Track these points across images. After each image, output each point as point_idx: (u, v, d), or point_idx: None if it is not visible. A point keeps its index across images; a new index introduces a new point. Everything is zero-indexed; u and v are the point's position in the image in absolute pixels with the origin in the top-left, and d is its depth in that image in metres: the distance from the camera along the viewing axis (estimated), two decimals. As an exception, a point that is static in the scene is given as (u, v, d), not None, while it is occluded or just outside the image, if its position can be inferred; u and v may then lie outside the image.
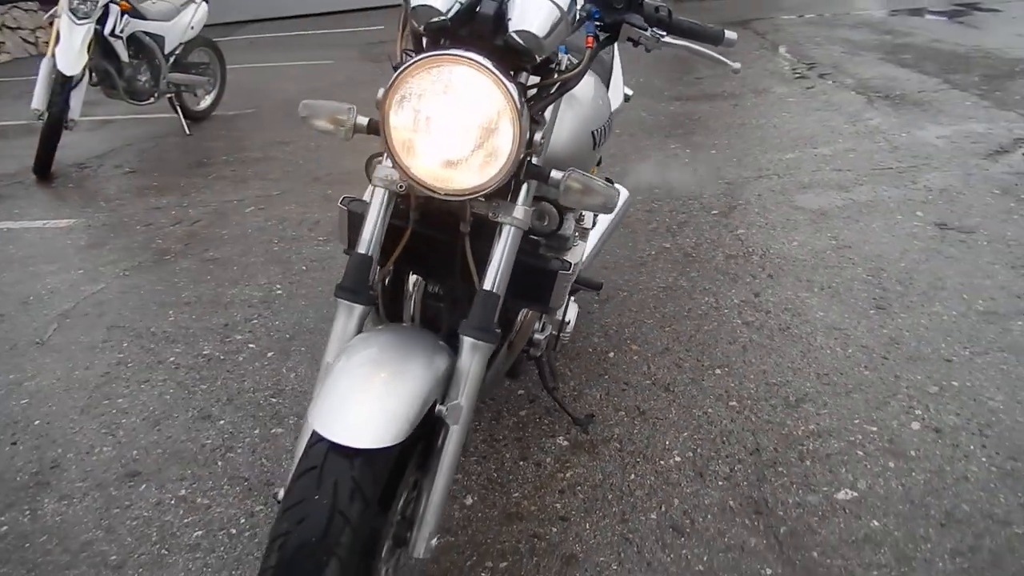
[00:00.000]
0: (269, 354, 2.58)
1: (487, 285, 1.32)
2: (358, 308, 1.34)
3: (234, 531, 1.81)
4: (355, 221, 1.54)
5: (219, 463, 2.07)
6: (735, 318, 2.61)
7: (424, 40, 1.27)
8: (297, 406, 2.29)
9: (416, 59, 1.19)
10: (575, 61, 1.32)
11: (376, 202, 1.36)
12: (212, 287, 3.09)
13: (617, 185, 1.34)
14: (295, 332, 2.71)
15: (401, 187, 1.36)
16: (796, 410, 2.14)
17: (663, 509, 1.82)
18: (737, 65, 1.51)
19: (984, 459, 1.92)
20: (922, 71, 5.59)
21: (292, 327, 2.74)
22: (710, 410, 2.16)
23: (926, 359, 2.32)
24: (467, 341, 1.30)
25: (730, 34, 1.48)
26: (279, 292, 3.01)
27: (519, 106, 1.19)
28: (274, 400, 2.33)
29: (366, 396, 1.17)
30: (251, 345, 2.65)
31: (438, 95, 1.20)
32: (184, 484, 1.99)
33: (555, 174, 1.31)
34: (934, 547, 1.68)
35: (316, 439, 1.15)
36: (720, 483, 1.90)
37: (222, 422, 2.24)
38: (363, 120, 1.34)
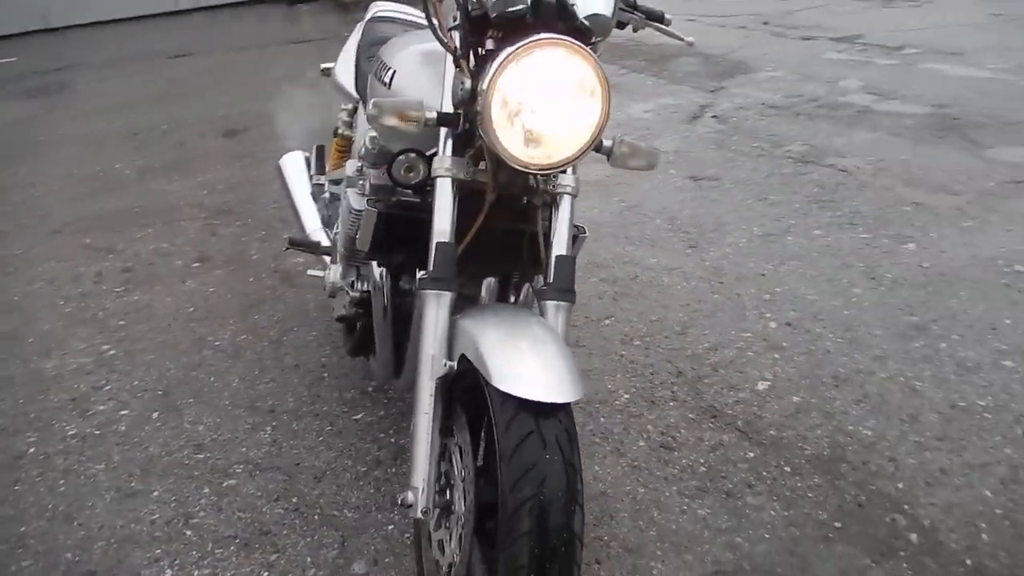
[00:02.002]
0: (154, 415, 2.30)
1: (561, 251, 1.45)
2: (447, 295, 1.38)
3: (262, 586, 1.67)
4: (385, 223, 1.54)
5: (187, 532, 1.84)
6: (589, 277, 2.95)
7: (492, 30, 1.35)
8: (233, 453, 2.10)
9: (520, 44, 1.27)
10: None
11: (445, 193, 1.40)
12: (21, 365, 2.60)
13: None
14: (167, 386, 2.43)
15: (468, 173, 1.42)
16: (686, 336, 2.54)
17: (646, 436, 2.09)
18: (691, 39, 1.80)
19: (831, 335, 2.50)
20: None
21: (158, 382, 2.45)
22: (623, 352, 2.47)
23: (748, 278, 2.89)
24: (550, 304, 1.42)
25: (668, 16, 1.77)
26: (111, 352, 2.64)
27: (606, 80, 1.34)
28: (200, 456, 2.11)
29: (545, 358, 1.24)
30: (123, 412, 2.32)
31: (542, 75, 1.30)
32: (173, 562, 1.75)
33: (606, 141, 1.48)
34: (842, 400, 2.18)
35: (510, 410, 1.19)
36: (671, 404, 2.22)
37: (156, 493, 1.97)
38: (432, 114, 1.38)
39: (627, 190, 3.73)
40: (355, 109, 2.42)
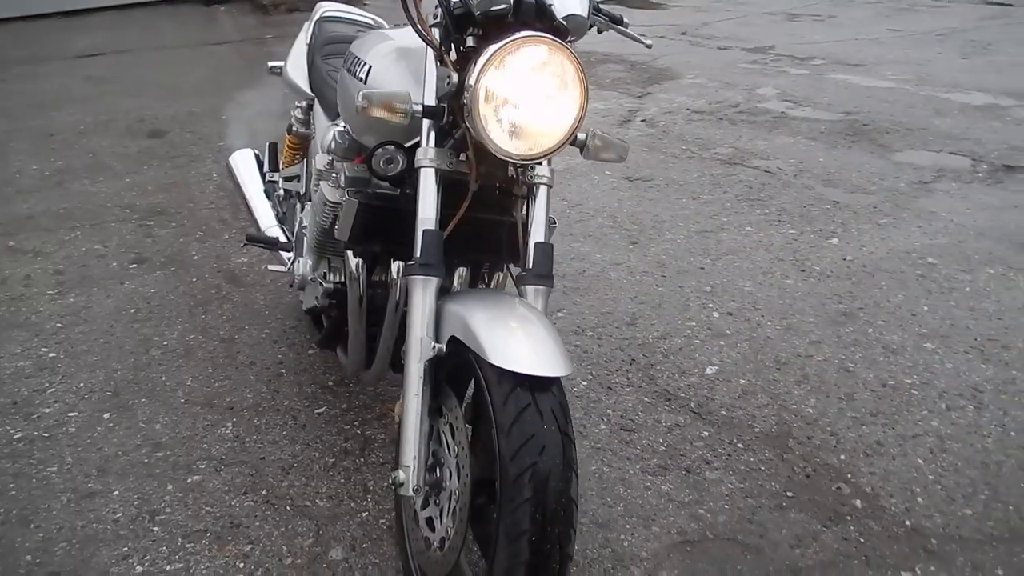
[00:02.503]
0: (105, 416, 2.24)
1: (540, 238, 1.52)
2: (433, 280, 1.42)
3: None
4: (365, 213, 1.58)
5: (155, 529, 1.81)
6: (537, 273, 3.02)
7: (474, 27, 1.40)
8: (194, 450, 2.07)
9: (507, 40, 1.33)
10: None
11: (429, 182, 1.45)
12: (-48, 370, 2.48)
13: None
14: (116, 387, 2.37)
15: (450, 164, 1.47)
16: (635, 326, 2.65)
17: (606, 419, 2.17)
18: (649, 42, 1.90)
19: (769, 323, 2.66)
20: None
21: (105, 383, 2.38)
22: (578, 343, 2.56)
23: (688, 271, 3.03)
24: (530, 289, 1.49)
25: (626, 20, 1.86)
26: (51, 355, 2.55)
27: (584, 76, 1.41)
28: (160, 454, 2.07)
29: (535, 335, 1.30)
30: (72, 414, 2.25)
31: (527, 70, 1.36)
32: (142, 558, 1.71)
33: (579, 134, 1.55)
34: (784, 382, 2.32)
35: (507, 385, 1.24)
36: (627, 389, 2.31)
37: (116, 492, 1.93)
38: (418, 106, 1.42)
39: (568, 190, 3.83)
40: (309, 107, 2.42)
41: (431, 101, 1.46)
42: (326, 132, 2.01)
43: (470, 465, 1.31)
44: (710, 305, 2.77)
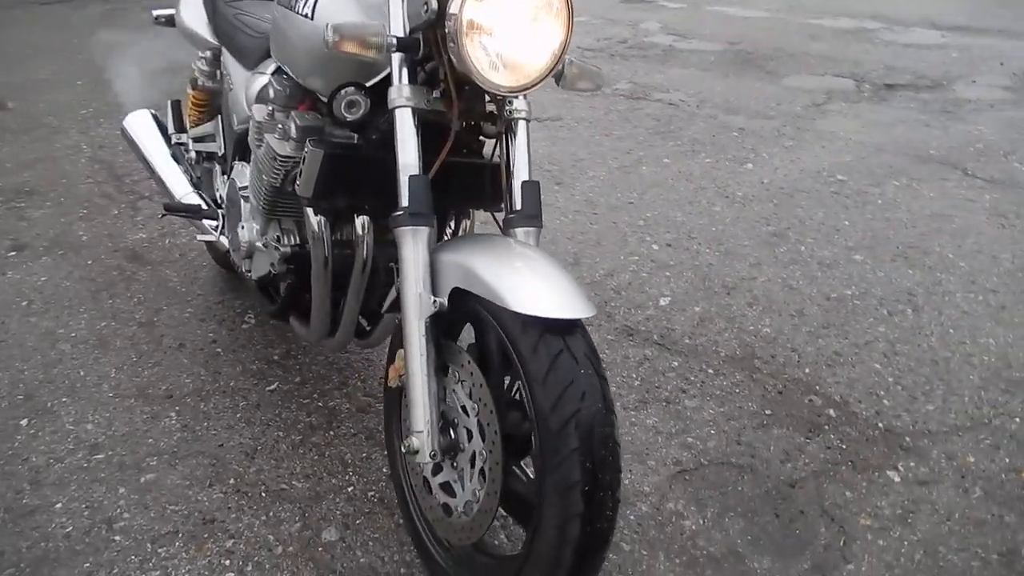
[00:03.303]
0: (23, 422, 1.98)
1: (525, 176, 1.43)
2: (424, 230, 1.31)
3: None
4: (331, 164, 1.43)
5: (117, 538, 1.62)
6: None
7: None
8: (139, 447, 1.87)
9: None
10: None
11: (407, 124, 1.32)
12: None
13: None
14: (27, 389, 2.10)
15: (428, 102, 1.35)
16: (580, 265, 2.61)
17: (575, 361, 2.13)
18: None
19: (708, 250, 2.69)
20: None
21: (13, 386, 2.10)
22: (527, 288, 2.49)
23: (619, 207, 3.01)
24: (519, 231, 1.41)
25: None
26: (-62, 362, 2.23)
27: (570, 1, 1.32)
28: (100, 456, 1.85)
29: (549, 277, 1.23)
30: (-20, 423, 1.98)
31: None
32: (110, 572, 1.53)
33: None
34: (736, 305, 2.36)
35: (534, 333, 1.16)
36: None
37: (59, 505, 1.71)
38: (392, 39, 1.28)
39: (478, 135, 3.72)
40: (215, 57, 2.19)
41: (400, 32, 1.32)
42: (250, 82, 1.82)
43: (498, 420, 1.23)
44: (647, 238, 2.77)
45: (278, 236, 1.67)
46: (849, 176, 3.21)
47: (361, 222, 1.54)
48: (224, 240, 2.09)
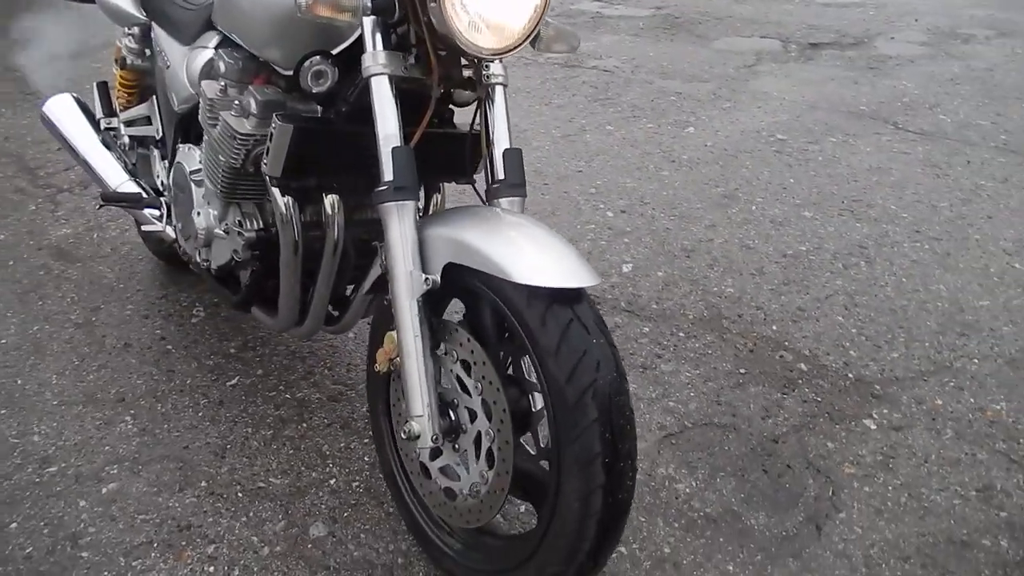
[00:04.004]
0: (-42, 438, 1.83)
1: (506, 144, 1.38)
2: (409, 204, 1.25)
3: None
4: (300, 138, 1.35)
5: (84, 555, 1.51)
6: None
7: None
8: (96, 455, 1.74)
9: None
10: None
11: (385, 93, 1.25)
12: None
13: None
14: (-40, 402, 1.94)
15: (405, 68, 1.28)
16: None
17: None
18: None
19: (662, 215, 2.69)
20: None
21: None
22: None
23: (568, 176, 2.98)
24: (504, 201, 1.37)
25: None
26: None
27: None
28: (52, 469, 1.72)
29: (548, 246, 1.19)
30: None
31: None
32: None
33: None
34: (698, 268, 2.37)
35: (540, 304, 1.12)
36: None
37: (14, 525, 1.58)
38: (368, 1, 1.21)
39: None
40: (144, 33, 2.03)
41: (371, -5, 1.24)
42: (191, 57, 1.70)
43: (506, 397, 1.18)
44: (601, 206, 2.76)
45: (240, 221, 1.57)
46: (788, 135, 3.27)
47: (330, 201, 1.46)
48: (169, 230, 1.96)
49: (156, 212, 1.99)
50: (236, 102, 1.46)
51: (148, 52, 2.04)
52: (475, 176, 1.59)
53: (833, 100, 3.61)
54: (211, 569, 1.47)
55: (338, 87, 1.36)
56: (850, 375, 1.94)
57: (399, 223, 1.24)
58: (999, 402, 1.83)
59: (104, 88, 2.17)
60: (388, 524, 1.55)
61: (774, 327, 2.12)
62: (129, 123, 2.13)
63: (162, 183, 2.00)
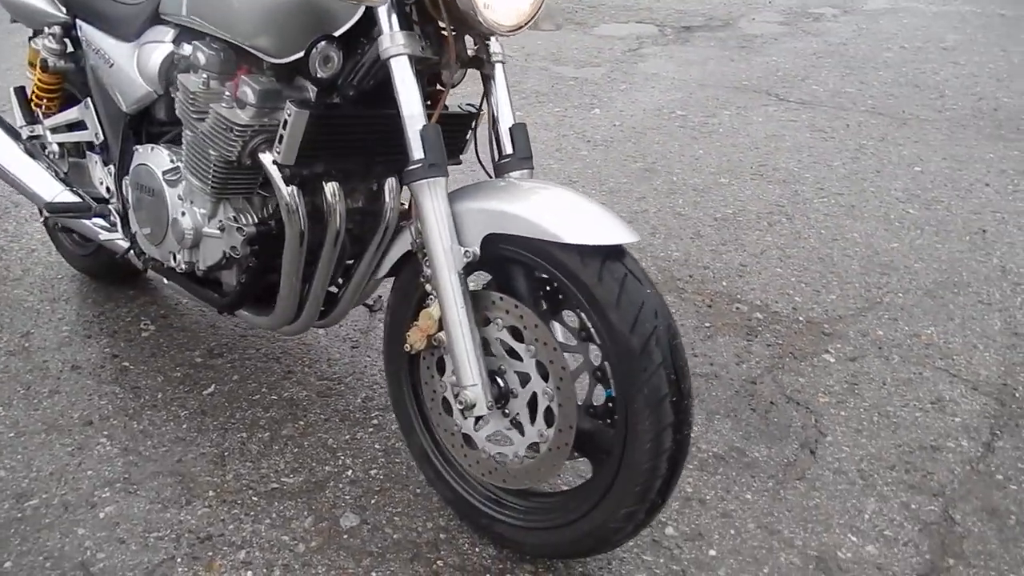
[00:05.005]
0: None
1: (511, 120, 1.44)
2: (440, 181, 1.28)
3: None
4: (314, 125, 1.34)
5: None
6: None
7: None
8: (80, 482, 1.63)
9: None
10: None
11: (406, 73, 1.27)
12: None
13: None
14: None
15: (422, 48, 1.30)
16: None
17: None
18: None
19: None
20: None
21: None
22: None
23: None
24: (515, 175, 1.43)
25: None
26: None
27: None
28: (33, 502, 1.59)
29: (586, 207, 1.25)
30: None
31: None
32: None
33: None
34: (643, 238, 2.51)
35: (594, 262, 1.18)
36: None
37: (8, 564, 1.46)
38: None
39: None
40: (66, 31, 1.90)
41: (379, -24, 1.26)
42: (145, 53, 1.63)
43: (560, 356, 1.23)
44: (579, 140, 2.83)
45: (235, 216, 1.52)
46: (686, 110, 3.48)
47: (331, 189, 1.46)
48: (118, 238, 1.86)
49: (100, 222, 1.88)
50: (227, 93, 1.42)
51: (70, 51, 1.92)
52: (461, 156, 1.64)
53: (717, 77, 3.87)
54: (248, 574, 1.43)
55: (345, 71, 1.36)
56: (800, 318, 2.12)
57: (432, 200, 1.27)
58: (928, 327, 2.08)
59: (22, 94, 2.01)
60: (420, 504, 1.56)
61: (724, 283, 2.28)
62: (56, 130, 1.99)
63: (107, 189, 1.88)
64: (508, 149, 1.43)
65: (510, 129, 1.42)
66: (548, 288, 1.32)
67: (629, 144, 3.17)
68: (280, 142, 1.34)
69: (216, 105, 1.42)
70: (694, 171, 2.93)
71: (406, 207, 1.62)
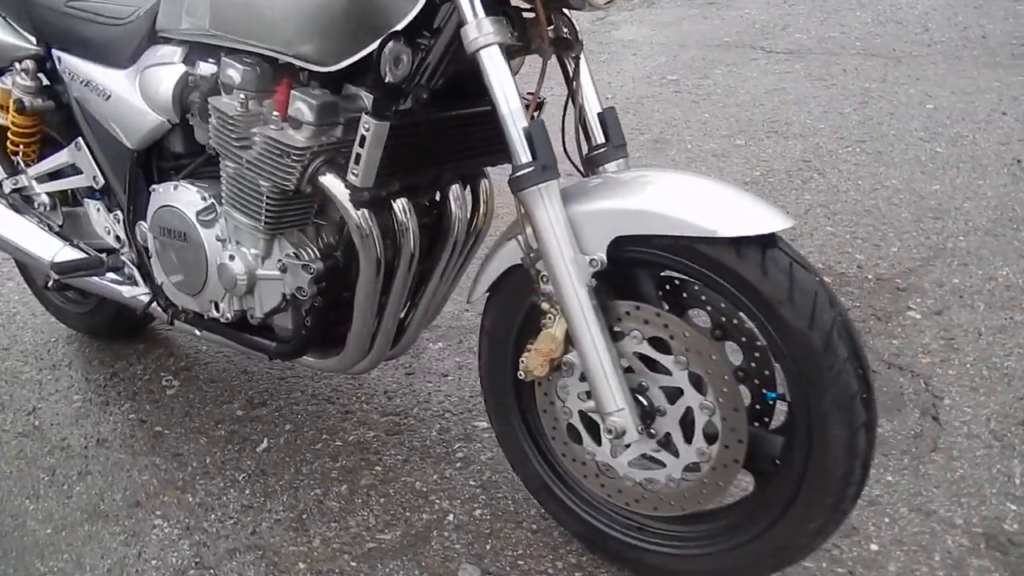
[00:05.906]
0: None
1: (599, 107, 1.31)
2: (553, 183, 1.12)
3: None
4: (395, 138, 1.16)
5: None
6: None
7: None
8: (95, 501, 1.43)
9: None
10: None
11: (499, 64, 1.10)
12: None
13: None
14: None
15: (511, 36, 1.14)
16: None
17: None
18: None
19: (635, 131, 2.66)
20: None
21: None
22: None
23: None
24: (612, 165, 1.29)
25: None
26: None
27: None
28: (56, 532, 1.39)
29: (733, 193, 1.12)
30: None
31: None
32: None
33: None
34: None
35: (754, 255, 1.03)
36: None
37: None
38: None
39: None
40: (40, 65, 1.67)
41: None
42: (154, 79, 1.42)
43: (724, 363, 1.09)
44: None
45: (295, 253, 1.32)
46: (677, 74, 3.36)
47: (400, 205, 1.28)
48: (138, 291, 1.65)
49: (114, 277, 1.66)
50: (274, 114, 1.23)
51: (46, 85, 1.68)
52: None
53: (696, 37, 3.75)
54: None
55: (417, 71, 1.18)
56: (869, 276, 2.02)
57: (547, 207, 1.11)
58: (1002, 268, 2.00)
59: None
60: (541, 541, 1.40)
61: (778, 250, 2.16)
62: (41, 179, 1.75)
63: (117, 238, 1.66)
64: (600, 138, 1.27)
65: (599, 115, 1.27)
66: (667, 288, 1.18)
67: (629, 116, 3.03)
68: (357, 162, 1.16)
69: (262, 128, 1.23)
70: (706, 136, 2.81)
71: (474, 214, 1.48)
